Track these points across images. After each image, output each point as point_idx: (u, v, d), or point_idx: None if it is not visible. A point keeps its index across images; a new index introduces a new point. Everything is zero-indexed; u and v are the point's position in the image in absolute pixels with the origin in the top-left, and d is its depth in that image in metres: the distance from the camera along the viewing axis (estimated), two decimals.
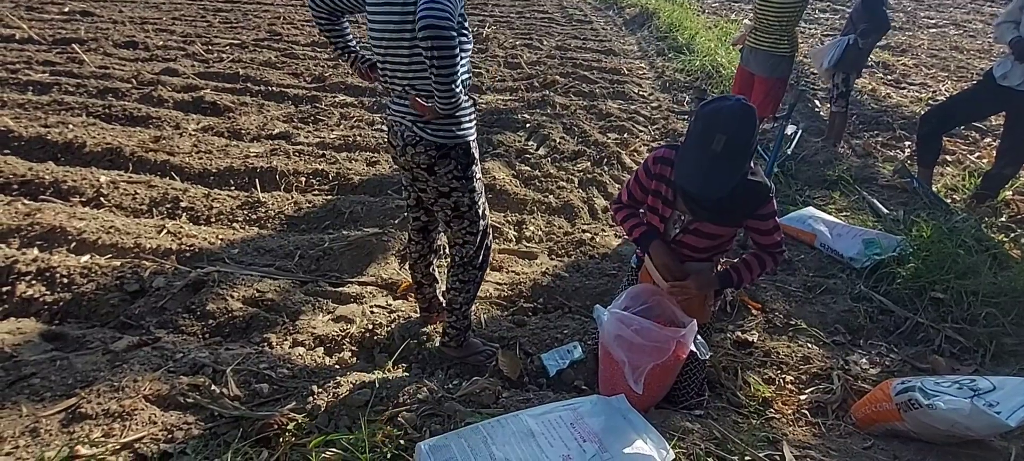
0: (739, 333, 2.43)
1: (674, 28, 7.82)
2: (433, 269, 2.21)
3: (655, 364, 1.69)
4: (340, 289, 2.54)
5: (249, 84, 5.18)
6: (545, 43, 7.42)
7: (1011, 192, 3.65)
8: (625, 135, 4.54)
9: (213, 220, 3.13)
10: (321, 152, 3.89)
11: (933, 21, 10.86)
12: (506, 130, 4.46)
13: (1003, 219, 3.40)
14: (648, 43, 7.88)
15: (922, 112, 4.33)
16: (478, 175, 1.90)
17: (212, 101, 4.68)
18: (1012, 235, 3.19)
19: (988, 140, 4.60)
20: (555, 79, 5.75)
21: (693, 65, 6.29)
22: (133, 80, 5.06)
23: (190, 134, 4.09)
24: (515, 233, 3.17)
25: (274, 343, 2.16)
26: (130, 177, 3.37)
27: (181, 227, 2.93)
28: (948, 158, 4.25)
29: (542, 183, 3.69)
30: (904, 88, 6.20)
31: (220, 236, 2.89)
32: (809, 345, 2.38)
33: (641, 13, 9.38)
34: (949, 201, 3.58)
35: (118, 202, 3.15)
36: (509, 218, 3.29)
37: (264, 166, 3.58)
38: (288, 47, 6.55)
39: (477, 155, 1.88)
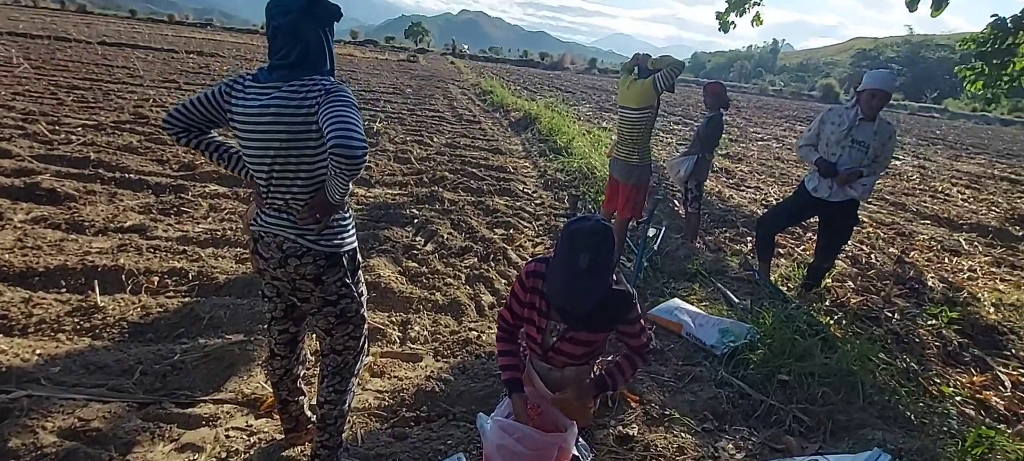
0: (620, 428, 2.49)
1: (554, 133, 8.55)
2: (300, 382, 2.03)
3: None
4: (189, 411, 2.21)
5: (101, 170, 4.65)
6: (435, 140, 7.68)
7: (830, 280, 4.33)
8: (511, 231, 4.72)
9: (31, 330, 2.63)
10: (181, 248, 3.52)
11: (760, 135, 13.11)
12: (394, 225, 4.42)
13: (827, 304, 3.99)
14: (531, 144, 8.50)
15: (759, 213, 5.08)
16: (362, 279, 1.89)
17: (50, 187, 4.11)
18: (835, 318, 3.74)
19: (810, 235, 5.48)
20: (444, 175, 5.91)
21: (571, 166, 6.87)
22: None
23: (16, 226, 3.51)
24: (399, 334, 3.06)
25: None
26: None
27: None
28: (781, 251, 4.96)
29: (429, 279, 3.65)
30: (743, 190, 7.28)
31: (39, 351, 2.42)
32: (683, 434, 2.50)
33: (525, 117, 10.17)
34: (785, 290, 4.14)
35: None
36: (394, 318, 3.17)
37: (107, 264, 3.14)
38: (154, 131, 6.06)
39: (359, 260, 1.87)
